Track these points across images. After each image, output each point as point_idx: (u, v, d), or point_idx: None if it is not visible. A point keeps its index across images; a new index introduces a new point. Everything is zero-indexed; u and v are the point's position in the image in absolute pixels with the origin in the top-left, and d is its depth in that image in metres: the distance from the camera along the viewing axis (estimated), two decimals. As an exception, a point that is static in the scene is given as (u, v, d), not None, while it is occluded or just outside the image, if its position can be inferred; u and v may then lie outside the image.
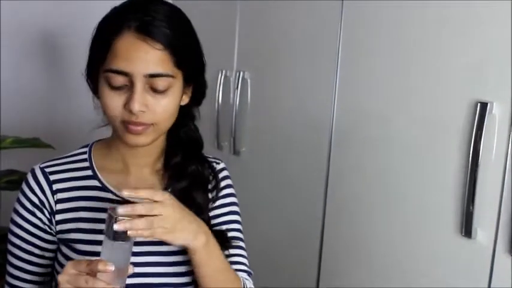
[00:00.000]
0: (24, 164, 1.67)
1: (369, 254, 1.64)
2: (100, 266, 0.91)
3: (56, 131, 2.15)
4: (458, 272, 1.41)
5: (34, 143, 1.75)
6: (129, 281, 1.07)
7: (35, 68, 2.25)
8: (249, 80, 2.06)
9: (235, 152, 2.11)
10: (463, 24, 1.38)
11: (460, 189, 1.39)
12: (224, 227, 1.21)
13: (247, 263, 1.22)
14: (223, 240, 1.17)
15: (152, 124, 1.05)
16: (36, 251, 1.15)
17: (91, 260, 0.93)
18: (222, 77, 2.12)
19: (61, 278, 0.94)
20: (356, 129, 1.68)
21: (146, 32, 1.01)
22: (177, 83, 1.06)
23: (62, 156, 1.19)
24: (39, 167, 1.15)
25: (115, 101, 1.03)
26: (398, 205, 1.55)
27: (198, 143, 1.22)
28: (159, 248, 1.13)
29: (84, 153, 1.19)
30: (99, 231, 1.02)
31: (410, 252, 1.52)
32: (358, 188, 1.67)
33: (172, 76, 1.04)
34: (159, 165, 1.20)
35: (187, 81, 1.09)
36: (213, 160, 1.26)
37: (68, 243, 1.12)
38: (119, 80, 1.02)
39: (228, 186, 1.25)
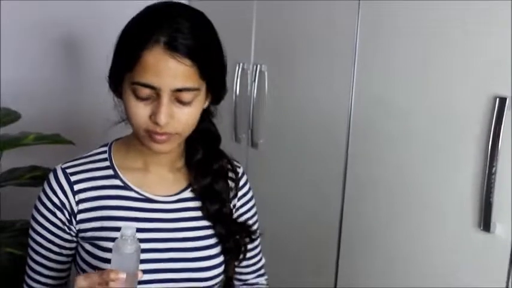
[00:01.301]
0: (46, 160, 1.70)
1: (387, 247, 1.65)
2: (112, 275, 0.94)
3: (75, 127, 2.17)
4: (477, 265, 1.41)
5: (55, 139, 1.77)
6: (153, 276, 1.12)
7: (54, 65, 2.27)
8: (266, 73, 2.06)
9: (253, 145, 2.12)
10: (482, 20, 1.38)
11: (478, 183, 1.39)
12: (244, 217, 1.27)
13: (263, 262, 1.32)
14: (248, 232, 1.24)
15: (176, 133, 1.08)
16: (55, 248, 1.17)
17: (102, 271, 0.96)
18: (240, 70, 2.13)
19: None
20: (374, 121, 1.68)
21: (175, 47, 1.01)
22: (202, 93, 1.08)
23: (82, 156, 1.20)
24: (61, 168, 1.16)
25: (141, 111, 1.05)
26: (416, 199, 1.56)
27: (216, 137, 1.24)
28: (181, 244, 1.17)
29: (104, 152, 1.20)
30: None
31: (429, 245, 1.53)
32: (376, 180, 1.68)
33: (198, 89, 1.06)
34: (180, 163, 1.22)
35: (210, 88, 1.11)
36: (234, 162, 1.29)
37: (92, 241, 1.14)
38: (146, 92, 1.03)
39: (250, 190, 1.30)
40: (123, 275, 0.94)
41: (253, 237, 1.25)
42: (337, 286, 1.82)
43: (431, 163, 1.51)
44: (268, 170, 2.08)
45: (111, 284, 0.94)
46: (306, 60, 1.91)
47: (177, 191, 1.20)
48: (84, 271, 1.15)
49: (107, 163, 1.19)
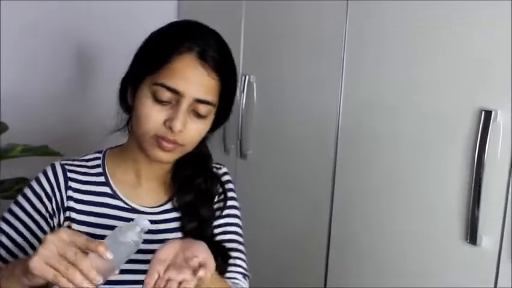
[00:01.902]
0: (33, 172, 1.69)
1: (375, 258, 1.65)
2: (100, 248, 0.89)
3: (63, 139, 2.17)
4: (464, 278, 1.42)
5: (43, 150, 1.77)
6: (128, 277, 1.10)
7: (43, 75, 2.27)
8: (254, 84, 2.07)
9: (242, 155, 2.12)
10: (468, 30, 1.39)
11: (465, 196, 1.40)
12: (222, 230, 1.22)
13: (245, 266, 1.23)
14: (223, 254, 1.18)
15: (182, 145, 1.09)
16: (27, 234, 1.13)
17: (91, 239, 0.91)
18: (228, 80, 2.13)
19: (50, 238, 0.90)
20: (362, 127, 1.69)
21: (206, 58, 1.05)
22: (213, 111, 1.10)
23: (78, 158, 1.21)
24: (60, 163, 1.17)
25: (156, 115, 1.06)
26: (402, 210, 1.56)
27: (207, 157, 1.24)
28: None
29: (98, 158, 1.21)
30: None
31: (416, 258, 1.53)
32: (364, 189, 1.69)
33: (214, 105, 1.09)
34: (168, 176, 1.22)
35: (218, 111, 1.12)
36: (215, 165, 1.28)
37: None
38: (167, 95, 1.05)
39: (229, 190, 1.27)
40: (110, 255, 0.89)
41: (227, 259, 1.19)
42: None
43: (419, 175, 1.52)
44: (257, 180, 2.08)
45: (91, 255, 0.89)
46: (293, 68, 1.92)
47: (161, 202, 1.20)
48: None
49: (100, 169, 1.19)
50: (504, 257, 1.33)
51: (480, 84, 1.37)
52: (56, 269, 0.88)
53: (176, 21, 1.14)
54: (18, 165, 1.90)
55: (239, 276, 1.20)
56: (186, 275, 0.93)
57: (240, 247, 1.24)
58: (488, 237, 1.36)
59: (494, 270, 1.35)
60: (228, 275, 1.18)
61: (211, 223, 1.20)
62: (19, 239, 1.13)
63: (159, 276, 0.94)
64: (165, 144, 1.07)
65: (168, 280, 0.93)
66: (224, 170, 1.29)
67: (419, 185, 1.52)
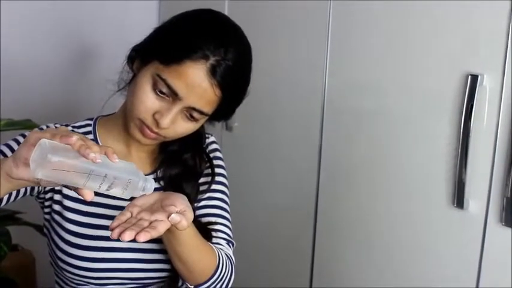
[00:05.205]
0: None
1: (362, 225, 1.66)
2: (110, 149, 0.86)
3: (48, 113, 2.15)
4: (451, 242, 1.43)
5: (26, 124, 1.74)
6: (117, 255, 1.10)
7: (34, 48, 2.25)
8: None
9: (228, 128, 2.11)
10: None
11: (451, 160, 1.40)
12: (205, 203, 1.21)
13: (230, 233, 1.21)
14: (205, 232, 1.15)
15: (165, 137, 1.09)
16: None
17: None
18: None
19: (60, 127, 0.88)
20: (348, 102, 1.68)
21: (216, 74, 1.02)
22: (207, 117, 1.09)
23: (69, 124, 1.19)
24: (54, 126, 1.16)
25: (149, 103, 1.05)
26: (391, 177, 1.57)
27: (201, 135, 1.22)
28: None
29: (89, 125, 1.20)
30: (94, 204, 1.00)
31: (403, 223, 1.55)
32: (350, 161, 1.69)
33: (209, 114, 1.08)
34: (157, 148, 1.21)
35: (217, 113, 1.11)
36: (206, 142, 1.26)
37: (59, 211, 1.12)
38: (165, 90, 1.03)
39: (215, 158, 1.26)
40: (116, 160, 0.85)
41: (209, 236, 1.16)
42: (314, 267, 1.84)
43: (405, 142, 1.52)
44: (243, 153, 2.08)
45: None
46: (280, 40, 1.90)
47: (147, 172, 1.18)
48: (56, 234, 1.12)
49: (91, 136, 1.18)
50: (490, 220, 1.34)
51: (466, 49, 1.37)
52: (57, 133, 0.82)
53: (205, 15, 1.09)
54: (2, 139, 1.87)
55: (223, 242, 1.18)
56: (159, 216, 0.92)
57: (225, 215, 1.23)
58: (475, 201, 1.37)
59: (481, 234, 1.36)
60: (212, 240, 1.17)
61: (194, 200, 1.17)
62: None
63: (131, 216, 0.93)
64: (147, 132, 1.07)
65: (140, 219, 0.92)
66: (212, 139, 1.28)
67: (406, 151, 1.52)
